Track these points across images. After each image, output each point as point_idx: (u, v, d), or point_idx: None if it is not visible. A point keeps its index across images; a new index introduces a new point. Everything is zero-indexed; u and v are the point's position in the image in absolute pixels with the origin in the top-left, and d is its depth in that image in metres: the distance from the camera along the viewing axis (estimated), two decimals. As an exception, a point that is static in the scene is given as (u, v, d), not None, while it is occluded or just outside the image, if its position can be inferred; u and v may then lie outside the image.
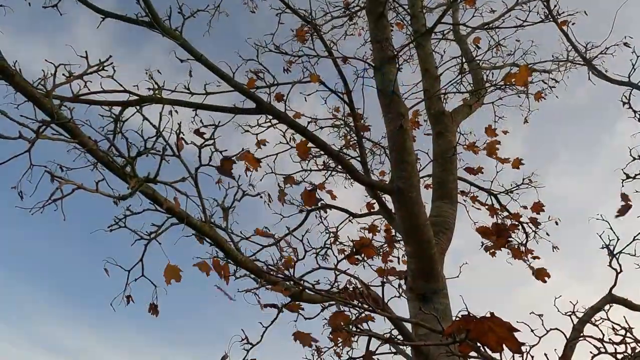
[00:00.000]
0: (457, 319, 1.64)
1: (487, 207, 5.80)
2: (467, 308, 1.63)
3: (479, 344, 1.66)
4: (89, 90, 2.53)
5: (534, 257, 5.76)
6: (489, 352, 1.85)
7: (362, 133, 4.47)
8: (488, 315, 1.62)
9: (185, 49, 3.40)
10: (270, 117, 3.94)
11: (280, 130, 4.17)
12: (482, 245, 5.33)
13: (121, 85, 3.47)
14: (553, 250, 5.93)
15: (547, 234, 5.73)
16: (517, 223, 5.74)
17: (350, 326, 3.54)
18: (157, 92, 3.58)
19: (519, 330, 1.59)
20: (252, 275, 2.78)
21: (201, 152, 2.42)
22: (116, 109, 3.20)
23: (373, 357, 4.50)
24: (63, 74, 2.20)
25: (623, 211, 3.52)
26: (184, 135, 2.27)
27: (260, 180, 4.06)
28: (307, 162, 4.83)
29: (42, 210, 1.91)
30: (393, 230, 5.39)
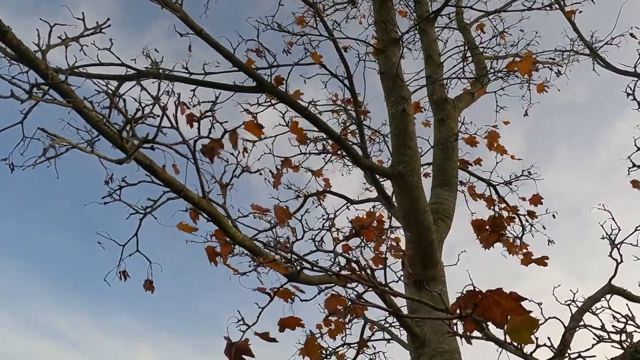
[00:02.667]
0: (463, 294, 1.59)
1: (484, 198, 5.76)
2: (472, 284, 1.57)
3: (483, 321, 1.62)
4: (85, 54, 2.45)
5: (528, 252, 5.75)
6: (494, 331, 1.81)
7: (361, 118, 4.40)
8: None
9: (185, 22, 3.31)
10: (271, 96, 3.86)
11: (280, 111, 4.09)
12: (477, 237, 5.28)
13: (118, 59, 3.38)
14: (549, 244, 5.90)
15: (543, 227, 5.71)
16: (514, 215, 5.72)
17: (348, 306, 3.49)
18: (154, 67, 3.50)
19: (526, 299, 1.54)
20: (250, 254, 2.71)
21: (200, 123, 2.35)
22: (112, 86, 3.13)
23: (367, 343, 4.48)
24: (59, 37, 2.12)
25: None
26: (185, 105, 2.19)
27: (258, 159, 3.99)
28: (306, 146, 4.76)
29: (34, 166, 1.84)
30: (385, 222, 5.34)
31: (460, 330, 1.91)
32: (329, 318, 3.94)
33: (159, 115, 1.86)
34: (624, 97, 4.08)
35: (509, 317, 1.64)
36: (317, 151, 4.77)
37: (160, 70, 3.46)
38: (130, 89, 3.11)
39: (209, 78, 3.65)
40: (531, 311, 1.65)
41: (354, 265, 1.57)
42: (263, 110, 3.76)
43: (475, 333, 1.78)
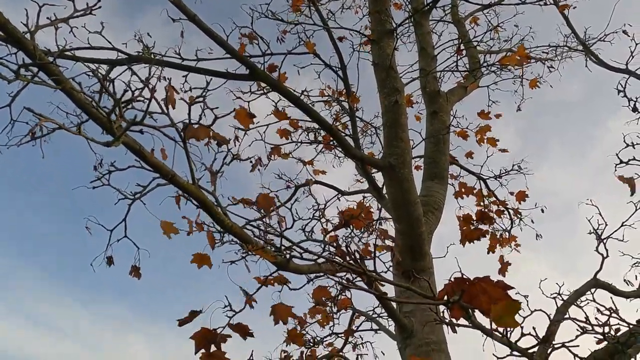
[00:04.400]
0: (451, 281, 1.60)
1: (473, 193, 5.80)
2: (460, 271, 1.58)
3: (470, 308, 1.63)
4: (75, 36, 2.41)
5: (517, 245, 5.81)
6: (480, 320, 1.83)
7: (354, 108, 4.39)
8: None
9: (178, 7, 3.27)
10: (264, 85, 3.84)
11: (273, 100, 4.07)
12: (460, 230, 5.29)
13: (109, 42, 3.34)
14: (537, 239, 5.95)
15: (532, 221, 5.76)
16: (503, 209, 5.76)
17: (336, 295, 3.51)
18: (146, 52, 3.46)
19: (513, 288, 1.55)
20: (239, 242, 2.71)
21: (191, 109, 2.33)
22: (103, 70, 3.09)
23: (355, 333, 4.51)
24: (48, 18, 2.08)
25: (633, 188, 3.51)
26: (174, 88, 2.17)
27: (250, 145, 3.97)
28: (297, 135, 4.74)
29: (19, 144, 1.81)
30: (374, 213, 5.36)
31: (447, 318, 1.93)
32: (317, 307, 3.95)
33: (148, 98, 1.84)
34: (617, 95, 4.11)
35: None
36: (308, 140, 4.76)
37: (152, 56, 3.43)
38: (121, 74, 3.09)
39: (201, 65, 3.63)
40: (518, 301, 1.67)
41: (343, 250, 1.57)
42: (255, 99, 3.74)
43: (462, 321, 1.80)
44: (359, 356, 4.34)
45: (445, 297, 1.58)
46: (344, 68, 4.55)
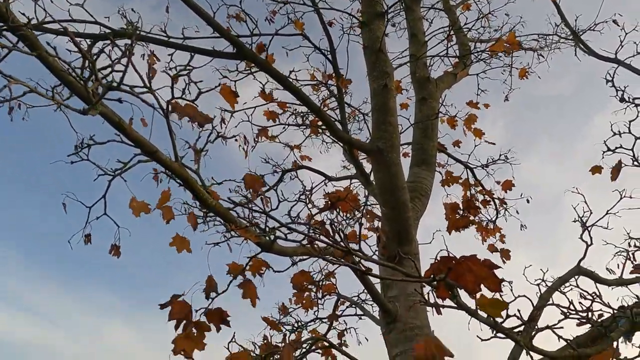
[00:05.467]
0: (437, 260, 1.57)
1: (460, 182, 5.80)
2: (447, 249, 1.55)
3: (456, 287, 1.60)
4: (56, 5, 2.30)
5: (502, 236, 5.85)
6: (466, 299, 1.80)
7: (343, 91, 4.33)
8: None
9: (163, -19, 3.17)
10: (251, 64, 3.76)
11: (260, 82, 3.99)
12: (446, 219, 5.30)
13: (91, 16, 3.23)
14: (521, 229, 5.99)
15: (517, 211, 5.80)
16: (489, 199, 5.78)
17: (320, 280, 3.48)
18: (130, 28, 3.35)
19: (499, 267, 1.52)
20: (222, 221, 2.65)
21: (174, 83, 2.25)
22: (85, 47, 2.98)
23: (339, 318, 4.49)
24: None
25: (615, 173, 3.52)
26: (155, 56, 2.08)
27: (236, 126, 3.89)
28: (286, 119, 4.68)
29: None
30: (360, 199, 5.32)
31: (432, 300, 1.91)
32: (299, 293, 3.93)
33: (125, 65, 1.76)
34: (607, 90, 4.10)
35: (481, 284, 1.64)
36: (295, 124, 4.70)
37: (137, 32, 3.32)
38: (105, 47, 2.99)
39: (187, 44, 3.53)
40: (503, 279, 1.65)
41: (327, 228, 1.53)
42: (242, 79, 3.66)
43: (447, 302, 1.77)
44: (342, 341, 4.33)
45: (432, 276, 1.56)
46: (333, 51, 4.48)
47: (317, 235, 1.87)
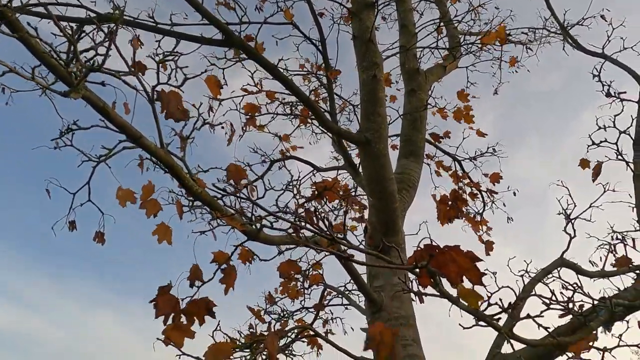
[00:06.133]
0: (420, 248, 1.58)
1: (449, 174, 5.84)
2: (430, 237, 1.56)
3: (438, 277, 1.62)
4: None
5: (488, 229, 5.91)
6: (448, 289, 1.82)
7: (332, 81, 4.32)
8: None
9: (150, -35, 3.12)
10: (239, 53, 3.73)
11: (249, 70, 3.96)
12: (436, 210, 5.33)
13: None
14: (508, 222, 6.06)
15: (503, 204, 5.85)
16: (476, 192, 5.82)
17: (306, 269, 3.49)
18: (117, 13, 3.30)
19: (481, 260, 1.54)
20: (209, 209, 2.64)
21: (159, 67, 2.22)
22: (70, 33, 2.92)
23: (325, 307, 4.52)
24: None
25: (597, 173, 3.57)
26: (140, 41, 2.05)
27: (224, 115, 3.87)
28: (275, 108, 4.65)
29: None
30: (349, 190, 5.33)
31: (415, 288, 1.92)
32: (285, 282, 3.94)
33: (107, 46, 1.73)
34: (595, 86, 4.14)
35: (463, 276, 1.65)
36: (284, 113, 4.67)
37: (123, 16, 3.27)
38: (90, 32, 2.94)
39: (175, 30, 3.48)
40: (485, 273, 1.66)
41: (312, 214, 1.53)
42: (230, 66, 3.63)
43: (430, 290, 1.79)
44: (328, 331, 4.36)
45: (415, 264, 1.56)
46: (323, 41, 4.46)
47: (303, 224, 1.87)
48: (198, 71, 2.47)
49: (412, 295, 3.36)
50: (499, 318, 1.66)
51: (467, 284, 1.65)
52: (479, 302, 1.88)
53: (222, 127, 2.98)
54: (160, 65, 2.43)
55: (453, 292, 1.77)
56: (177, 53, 2.83)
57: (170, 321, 2.24)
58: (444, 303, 1.93)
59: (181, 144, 2.69)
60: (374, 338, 1.84)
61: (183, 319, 2.37)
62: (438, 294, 1.75)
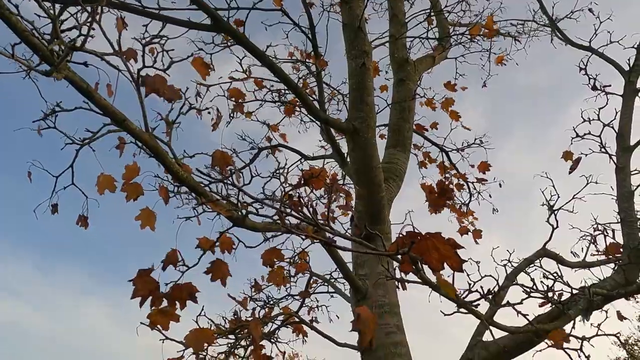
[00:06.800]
0: (402, 235, 1.60)
1: (436, 165, 5.88)
2: (412, 224, 1.57)
3: (419, 263, 1.63)
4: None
5: (474, 218, 5.97)
6: (430, 277, 1.84)
7: (321, 69, 4.30)
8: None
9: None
10: (227, 38, 3.69)
11: (237, 57, 3.93)
12: (425, 200, 5.37)
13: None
14: (493, 213, 6.12)
15: (489, 195, 5.91)
16: (463, 183, 5.88)
17: (292, 257, 3.50)
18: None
19: (462, 247, 1.56)
20: (194, 194, 2.63)
21: (145, 50, 2.19)
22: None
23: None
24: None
25: (574, 166, 3.62)
26: (124, 22, 2.02)
27: (211, 101, 3.83)
28: (263, 95, 4.62)
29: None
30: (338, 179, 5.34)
31: (398, 275, 1.94)
32: (271, 271, 3.95)
33: (89, 25, 1.70)
34: (583, 81, 4.17)
35: (444, 262, 1.67)
36: (272, 100, 4.65)
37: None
38: (75, 14, 2.89)
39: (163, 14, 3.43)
40: (465, 261, 1.68)
41: (297, 201, 1.53)
42: (218, 52, 3.59)
43: (412, 277, 1.81)
44: (313, 318, 4.39)
45: (397, 250, 1.58)
46: (312, 28, 4.44)
47: (288, 211, 1.87)
48: (185, 56, 2.43)
49: (396, 282, 3.40)
50: (479, 304, 1.68)
51: (448, 271, 1.67)
52: (461, 290, 1.91)
53: (209, 113, 2.95)
54: (147, 49, 2.41)
55: (434, 280, 1.80)
56: (164, 36, 2.80)
57: (148, 304, 2.23)
58: (426, 293, 1.96)
59: (167, 129, 2.67)
60: (359, 318, 1.86)
61: (164, 303, 2.37)
62: (420, 280, 1.77)
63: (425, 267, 1.70)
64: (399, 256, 1.58)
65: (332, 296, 4.59)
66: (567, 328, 2.77)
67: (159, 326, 2.18)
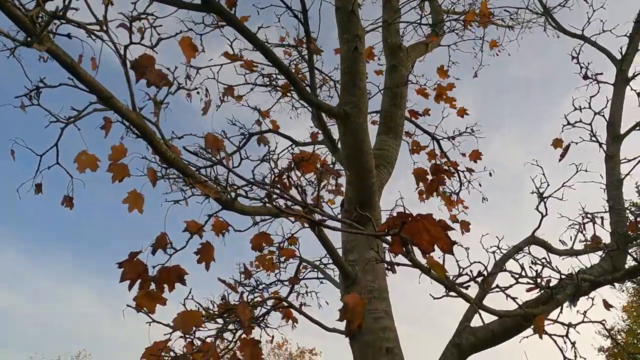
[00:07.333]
0: (393, 216, 1.58)
1: (427, 151, 5.87)
2: (403, 205, 1.55)
3: (410, 245, 1.62)
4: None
5: (465, 207, 5.98)
6: (420, 261, 1.83)
7: (313, 54, 4.24)
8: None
9: None
10: (218, 19, 3.62)
11: (228, 39, 3.86)
12: (416, 188, 5.36)
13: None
14: (482, 202, 6.14)
15: (479, 184, 5.92)
16: (454, 171, 5.87)
17: (281, 242, 3.48)
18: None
19: (453, 229, 1.54)
20: (181, 176, 2.58)
21: (132, 26, 2.13)
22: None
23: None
24: None
25: (564, 153, 3.63)
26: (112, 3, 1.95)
27: (201, 83, 3.77)
28: (254, 79, 4.56)
29: None
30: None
31: (388, 259, 1.93)
32: (261, 256, 3.93)
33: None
34: (576, 73, 4.16)
35: (435, 244, 1.66)
36: (263, 84, 4.59)
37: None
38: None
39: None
40: (456, 242, 1.67)
41: (285, 181, 1.50)
42: (209, 32, 3.52)
43: (402, 261, 1.79)
44: (302, 304, 4.39)
45: (387, 231, 1.56)
46: (305, 12, 4.36)
47: (277, 191, 1.84)
48: (175, 37, 2.37)
49: (385, 266, 3.40)
50: (469, 286, 1.68)
51: (437, 254, 1.66)
52: (451, 275, 1.90)
53: (198, 93, 2.89)
54: (135, 27, 2.34)
55: (425, 264, 1.78)
56: (152, 14, 2.72)
57: (136, 287, 2.20)
58: (415, 284, 1.94)
59: (155, 109, 2.62)
60: (347, 307, 1.85)
61: (152, 286, 2.34)
62: (410, 263, 1.76)
63: (416, 250, 1.69)
64: (389, 238, 1.57)
65: (321, 282, 4.59)
66: (554, 315, 2.80)
67: (145, 309, 2.15)
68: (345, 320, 1.98)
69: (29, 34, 1.74)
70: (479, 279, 2.08)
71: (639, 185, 14.89)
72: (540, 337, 2.47)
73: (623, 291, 17.32)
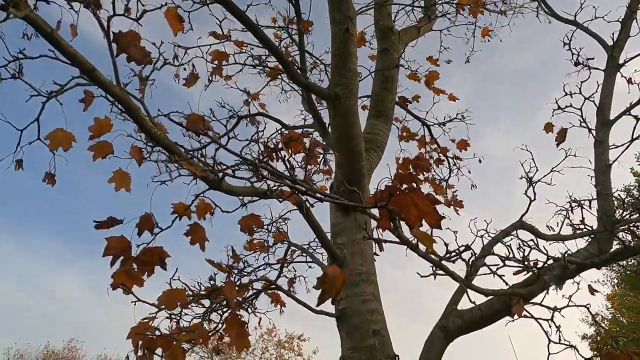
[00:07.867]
0: (381, 189, 1.55)
1: (416, 139, 5.86)
2: (391, 179, 1.53)
3: (397, 221, 1.60)
4: None
5: (454, 196, 6.00)
6: (408, 237, 1.81)
7: (304, 35, 4.19)
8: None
9: None
10: (206, -4, 3.54)
11: (217, 17, 3.78)
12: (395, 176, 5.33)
13: None
14: (471, 189, 6.17)
15: (469, 171, 5.94)
16: (443, 158, 5.88)
17: (269, 224, 3.45)
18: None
19: (440, 203, 1.52)
20: (168, 154, 2.53)
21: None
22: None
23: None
24: None
25: (561, 137, 3.63)
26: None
27: (189, 62, 3.69)
28: (244, 60, 4.49)
29: None
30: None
31: (375, 235, 1.90)
32: (252, 241, 3.91)
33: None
34: (567, 65, 4.15)
35: (422, 219, 1.63)
36: (252, 64, 4.52)
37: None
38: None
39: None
40: (444, 217, 1.66)
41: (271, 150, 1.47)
42: (196, 9, 3.44)
43: (389, 237, 1.77)
44: (291, 288, 4.38)
45: (375, 203, 1.54)
46: (296, -8, 4.30)
47: (264, 164, 1.81)
48: (159, 5, 2.30)
49: (374, 245, 3.38)
50: (456, 259, 1.66)
51: (425, 228, 1.64)
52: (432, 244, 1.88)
53: (185, 69, 2.83)
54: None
55: (412, 240, 1.76)
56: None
57: (118, 264, 2.16)
58: (405, 273, 1.93)
59: (140, 85, 2.56)
60: (326, 277, 1.82)
61: (135, 267, 2.29)
62: (397, 240, 1.74)
63: (404, 227, 1.67)
64: (377, 212, 1.54)
65: (310, 266, 4.57)
66: (539, 299, 2.81)
67: (123, 285, 2.11)
68: (320, 290, 1.94)
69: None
70: (466, 257, 2.07)
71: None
72: (519, 317, 2.48)
73: (605, 283, 17.61)
